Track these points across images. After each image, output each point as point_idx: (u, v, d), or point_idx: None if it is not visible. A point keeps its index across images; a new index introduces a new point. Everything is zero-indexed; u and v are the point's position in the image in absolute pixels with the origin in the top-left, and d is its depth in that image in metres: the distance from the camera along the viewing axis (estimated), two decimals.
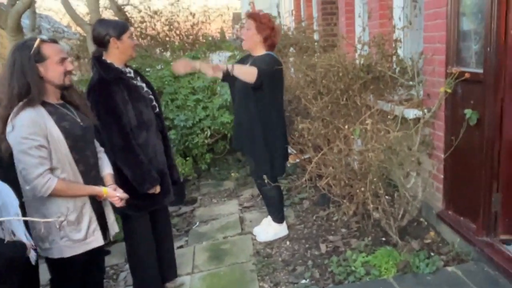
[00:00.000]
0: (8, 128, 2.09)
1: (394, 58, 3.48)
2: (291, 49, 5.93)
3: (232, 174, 5.32)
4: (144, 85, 2.85)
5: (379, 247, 3.21)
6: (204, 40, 7.42)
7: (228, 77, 3.24)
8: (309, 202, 4.31)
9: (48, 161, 2.10)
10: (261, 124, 3.32)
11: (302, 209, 4.24)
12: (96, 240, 2.32)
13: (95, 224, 2.32)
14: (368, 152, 2.91)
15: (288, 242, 3.65)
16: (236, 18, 15.40)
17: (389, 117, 3.16)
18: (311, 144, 3.31)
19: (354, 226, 3.63)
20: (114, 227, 2.50)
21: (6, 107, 2.11)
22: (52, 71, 2.18)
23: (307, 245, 3.55)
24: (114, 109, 2.62)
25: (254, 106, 3.28)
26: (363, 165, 2.99)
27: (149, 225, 2.89)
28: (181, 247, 3.83)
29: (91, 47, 4.54)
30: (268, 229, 3.76)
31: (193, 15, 8.29)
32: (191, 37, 7.94)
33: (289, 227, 3.84)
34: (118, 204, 2.39)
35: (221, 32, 9.35)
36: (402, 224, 3.26)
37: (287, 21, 8.53)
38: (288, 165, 4.57)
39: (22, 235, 2.03)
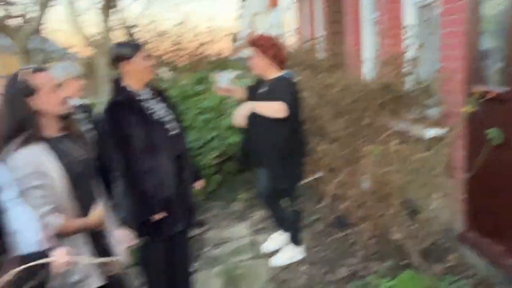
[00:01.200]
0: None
1: (410, 77, 3.42)
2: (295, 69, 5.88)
3: (240, 195, 5.20)
4: (158, 106, 2.73)
5: (400, 270, 3.08)
6: (208, 60, 7.40)
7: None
8: (323, 224, 4.19)
9: (49, 199, 1.96)
10: (286, 142, 3.22)
11: (316, 231, 4.12)
12: (93, 282, 2.09)
13: (93, 266, 2.15)
14: (389, 173, 2.82)
15: (304, 266, 3.52)
16: (235, 38, 15.49)
17: (409, 137, 3.07)
18: (325, 164, 3.23)
19: (373, 249, 3.51)
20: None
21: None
22: (47, 102, 2.01)
23: (324, 270, 3.42)
24: (119, 133, 2.53)
25: (280, 125, 3.18)
26: (385, 186, 2.89)
27: (162, 253, 2.76)
28: (194, 271, 3.69)
29: (102, 67, 4.48)
30: (283, 252, 3.63)
31: (199, 36, 8.31)
32: (195, 57, 7.94)
33: (304, 250, 3.72)
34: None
35: (218, 54, 9.33)
36: (423, 246, 3.15)
37: (290, 41, 8.51)
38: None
39: None
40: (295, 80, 3.37)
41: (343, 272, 3.32)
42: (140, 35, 5.37)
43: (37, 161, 1.90)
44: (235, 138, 4.87)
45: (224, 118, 5.08)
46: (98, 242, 2.17)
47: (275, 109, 3.10)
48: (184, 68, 7.02)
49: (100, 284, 2.12)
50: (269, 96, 3.20)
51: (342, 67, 4.91)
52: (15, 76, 1.99)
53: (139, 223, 2.56)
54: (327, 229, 4.08)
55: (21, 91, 1.94)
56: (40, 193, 1.89)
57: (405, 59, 3.59)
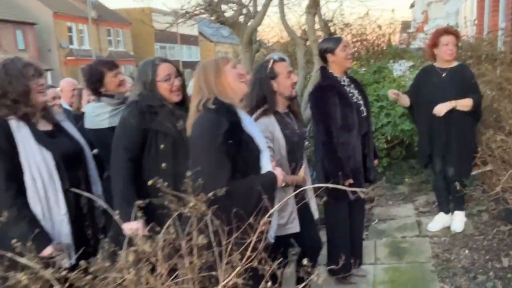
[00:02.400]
0: None
1: None
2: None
3: (407, 179, 5.44)
4: (356, 91, 3.21)
5: None
6: (386, 50, 7.60)
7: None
8: (488, 215, 4.25)
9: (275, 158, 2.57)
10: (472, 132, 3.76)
11: (480, 221, 4.19)
12: (294, 227, 2.69)
13: (295, 213, 2.70)
14: None
15: (467, 251, 3.69)
16: (405, 27, 15.13)
17: None
18: (498, 156, 3.31)
19: None
20: (315, 214, 2.91)
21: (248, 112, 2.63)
22: (282, 85, 2.67)
23: (487, 257, 3.54)
24: (323, 111, 3.07)
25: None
26: None
27: (346, 214, 3.24)
28: (362, 239, 4.15)
29: (301, 59, 5.13)
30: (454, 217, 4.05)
31: (380, 27, 8.57)
32: (376, 48, 8.22)
33: (467, 236, 3.88)
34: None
35: (389, 41, 9.37)
36: None
37: (467, 31, 8.18)
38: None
39: None
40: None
41: (507, 262, 3.41)
42: (332, 29, 5.86)
43: (271, 129, 2.58)
44: (408, 126, 5.12)
45: (398, 105, 5.33)
46: (297, 195, 2.76)
47: (470, 104, 3.58)
48: (364, 57, 7.38)
49: (297, 230, 2.72)
50: (452, 83, 3.65)
51: None
52: (262, 64, 2.69)
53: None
54: (492, 220, 4.13)
55: (268, 74, 2.61)
56: (270, 152, 2.54)
57: None
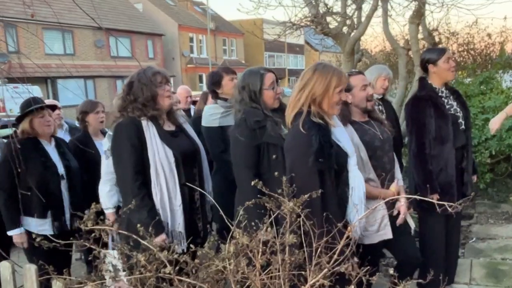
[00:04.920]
0: None
1: None
2: None
3: (511, 198, 4.95)
4: (455, 103, 3.03)
5: None
6: (497, 60, 6.93)
7: None
8: None
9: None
10: None
11: None
12: (386, 234, 2.59)
13: (386, 220, 2.61)
14: None
15: None
16: None
17: None
18: None
19: None
20: (411, 223, 2.79)
21: None
22: (357, 97, 2.63)
23: None
24: (417, 122, 2.95)
25: None
26: None
27: (442, 228, 3.06)
28: (458, 257, 3.88)
29: (402, 69, 4.95)
30: None
31: (489, 36, 7.91)
32: (485, 57, 7.59)
33: None
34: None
35: (500, 51, 8.51)
36: None
37: None
38: None
39: None
40: None
41: None
42: (437, 38, 5.53)
43: (350, 137, 2.54)
44: None
45: (506, 119, 4.87)
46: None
47: None
48: (470, 67, 6.84)
49: (390, 237, 2.63)
50: None
51: None
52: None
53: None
54: None
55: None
56: (360, 162, 2.51)
57: None
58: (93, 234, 1.62)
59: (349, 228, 1.60)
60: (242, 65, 34.99)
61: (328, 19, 5.14)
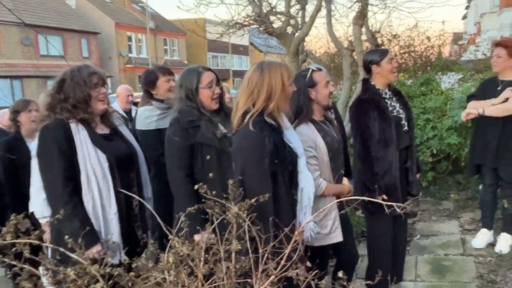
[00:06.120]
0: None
1: None
2: None
3: (452, 195, 5.22)
4: (398, 104, 3.11)
5: None
6: (434, 62, 7.36)
7: None
8: None
9: (318, 167, 2.55)
10: None
11: None
12: (337, 236, 2.63)
13: (337, 222, 2.66)
14: None
15: None
16: (456, 38, 14.61)
17: None
18: None
19: None
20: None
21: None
22: (320, 94, 2.63)
23: None
24: (361, 125, 3.00)
25: None
26: None
27: (389, 228, 3.13)
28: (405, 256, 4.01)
29: (347, 70, 5.07)
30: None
31: (429, 39, 8.33)
32: (424, 59, 8.00)
33: None
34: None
35: (438, 53, 9.05)
36: None
37: None
38: None
39: None
40: None
41: None
42: (379, 40, 5.75)
43: (313, 137, 2.55)
44: (454, 140, 4.92)
45: (445, 118, 5.14)
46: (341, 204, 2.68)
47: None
48: (411, 69, 7.19)
49: (340, 239, 2.66)
50: None
51: None
52: (303, 71, 2.69)
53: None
54: None
55: (307, 83, 2.60)
56: (314, 161, 2.53)
57: None
58: (13, 249, 1.48)
59: (296, 232, 1.58)
60: (185, 66, 34.38)
61: (272, 18, 5.17)
